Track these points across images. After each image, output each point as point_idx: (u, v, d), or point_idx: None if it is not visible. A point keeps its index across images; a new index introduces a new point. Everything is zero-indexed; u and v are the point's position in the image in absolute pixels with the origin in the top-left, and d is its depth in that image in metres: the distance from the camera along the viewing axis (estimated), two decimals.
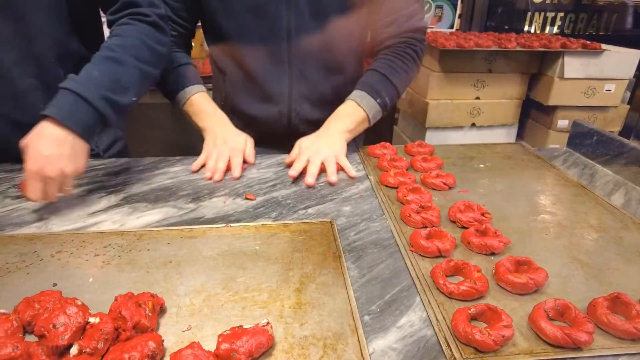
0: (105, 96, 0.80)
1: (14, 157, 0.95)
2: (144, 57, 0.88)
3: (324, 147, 0.98)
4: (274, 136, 1.13)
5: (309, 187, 0.92)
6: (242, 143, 1.03)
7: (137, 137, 2.29)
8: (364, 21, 1.09)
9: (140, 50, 0.88)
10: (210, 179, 0.94)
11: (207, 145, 1.03)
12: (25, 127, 0.91)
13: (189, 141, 2.34)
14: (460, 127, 2.08)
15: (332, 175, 0.94)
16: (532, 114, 2.35)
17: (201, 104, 1.08)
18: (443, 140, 2.00)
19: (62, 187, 0.78)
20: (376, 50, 1.11)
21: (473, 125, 2.12)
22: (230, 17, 1.04)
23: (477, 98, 2.11)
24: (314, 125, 1.08)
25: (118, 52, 0.84)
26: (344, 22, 1.05)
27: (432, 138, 2.04)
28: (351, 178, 0.96)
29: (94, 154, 1.05)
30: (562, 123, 2.15)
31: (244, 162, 1.01)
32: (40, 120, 0.77)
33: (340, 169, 0.98)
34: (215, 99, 1.19)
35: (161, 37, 0.94)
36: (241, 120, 1.15)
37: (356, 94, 1.05)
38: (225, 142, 1.01)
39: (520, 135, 2.41)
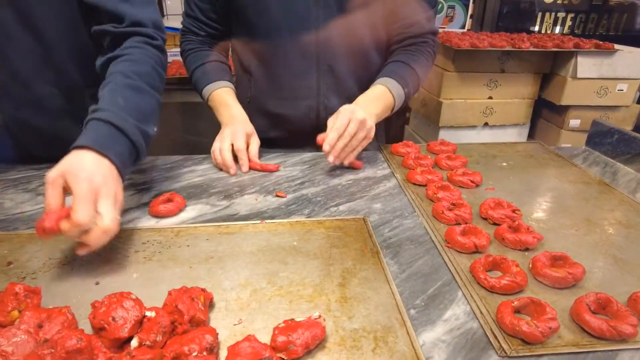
0: (137, 126, 0.74)
1: (34, 163, 0.98)
2: (156, 85, 0.86)
3: (362, 119, 0.95)
4: (302, 135, 1.13)
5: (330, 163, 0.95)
6: (242, 135, 1.02)
7: None
8: (387, 17, 1.10)
9: (153, 77, 0.85)
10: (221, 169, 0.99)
11: (215, 142, 1.04)
12: (44, 133, 0.94)
13: (196, 140, 2.35)
14: (472, 127, 2.09)
15: (350, 157, 0.96)
16: (544, 113, 2.37)
17: (222, 98, 1.09)
18: (456, 139, 1.97)
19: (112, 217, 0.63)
20: (395, 47, 1.13)
21: (486, 124, 2.13)
22: (260, 13, 1.05)
23: (490, 98, 2.12)
24: None
25: (136, 80, 0.80)
26: (370, 16, 1.06)
27: (445, 137, 2.02)
28: (354, 166, 0.99)
29: None
30: (574, 123, 2.17)
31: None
32: (68, 151, 0.68)
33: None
34: (239, 100, 1.19)
35: (164, 60, 0.92)
36: (268, 120, 1.16)
37: (386, 80, 1.05)
38: (225, 137, 1.02)
39: (531, 135, 2.43)
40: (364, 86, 1.11)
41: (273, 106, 1.15)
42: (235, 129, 1.02)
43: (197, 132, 2.34)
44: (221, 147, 1.00)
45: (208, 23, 1.14)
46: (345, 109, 0.97)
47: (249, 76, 1.16)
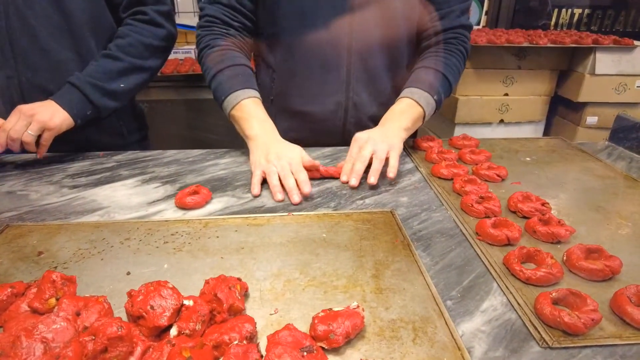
0: (92, 82, 0.99)
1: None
2: (136, 53, 1.06)
3: (378, 138, 0.92)
4: (326, 135, 1.10)
5: (352, 188, 0.88)
6: (298, 154, 0.91)
7: (155, 133, 2.31)
8: (421, 7, 1.06)
9: (134, 46, 1.06)
10: (282, 200, 0.84)
11: (257, 160, 0.91)
12: None
13: (205, 136, 2.36)
14: (488, 123, 2.08)
15: (373, 176, 0.87)
16: (560, 110, 2.35)
17: (252, 110, 0.96)
18: (472, 135, 1.96)
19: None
20: (425, 44, 1.08)
21: (501, 121, 2.12)
22: (295, 12, 1.00)
23: (506, 94, 2.11)
24: (371, 120, 1.08)
25: (112, 50, 1.04)
26: (406, 4, 1.03)
27: (460, 134, 1.99)
28: (388, 178, 0.88)
29: (118, 134, 1.19)
30: (592, 120, 2.15)
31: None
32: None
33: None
34: (261, 96, 1.14)
35: (158, 31, 1.10)
36: (291, 119, 1.11)
37: (412, 91, 1.00)
38: (279, 157, 0.89)
39: (547, 132, 2.41)
40: (396, 81, 1.08)
41: (298, 104, 1.10)
42: (292, 160, 0.89)
43: (205, 128, 2.35)
44: (285, 177, 0.86)
45: (243, 12, 1.04)
46: (357, 139, 0.94)
47: (272, 72, 1.11)
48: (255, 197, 0.85)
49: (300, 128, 1.11)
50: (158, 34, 1.10)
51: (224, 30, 1.03)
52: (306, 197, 0.84)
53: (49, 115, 0.93)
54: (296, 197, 0.83)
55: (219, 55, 1.00)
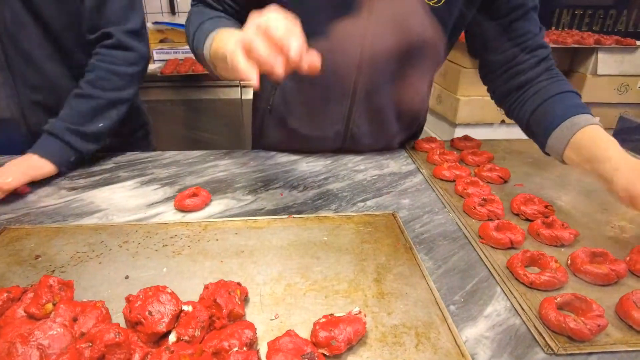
0: (70, 128, 0.93)
1: None
2: (110, 85, 0.99)
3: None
4: (322, 151, 1.06)
5: None
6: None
7: (155, 133, 2.30)
8: (444, 44, 0.94)
9: (106, 79, 0.98)
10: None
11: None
12: (56, 113, 0.98)
13: (204, 136, 2.35)
14: (489, 124, 2.07)
15: None
16: None
17: (224, 34, 0.73)
18: (473, 136, 1.95)
19: None
20: (522, 80, 0.92)
21: (502, 122, 2.10)
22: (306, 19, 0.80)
23: None
24: (367, 148, 1.03)
25: (84, 88, 0.97)
26: (429, 48, 0.90)
27: (461, 134, 1.98)
28: None
29: (119, 135, 1.10)
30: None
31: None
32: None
33: None
34: (258, 101, 1.09)
35: (128, 56, 1.01)
36: (287, 134, 1.04)
37: (588, 118, 0.80)
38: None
39: None
40: (401, 114, 1.01)
41: (295, 123, 1.02)
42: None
43: (205, 129, 2.34)
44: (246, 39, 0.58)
45: (232, 6, 0.89)
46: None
47: (274, 84, 1.00)
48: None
49: (294, 142, 1.04)
50: (129, 59, 1.01)
51: (213, 4, 0.89)
52: (306, 193, 0.83)
53: (27, 166, 0.87)
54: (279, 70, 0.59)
55: (198, 13, 0.87)
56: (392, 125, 1.03)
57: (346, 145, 1.05)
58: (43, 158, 0.89)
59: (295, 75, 0.85)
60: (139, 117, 1.27)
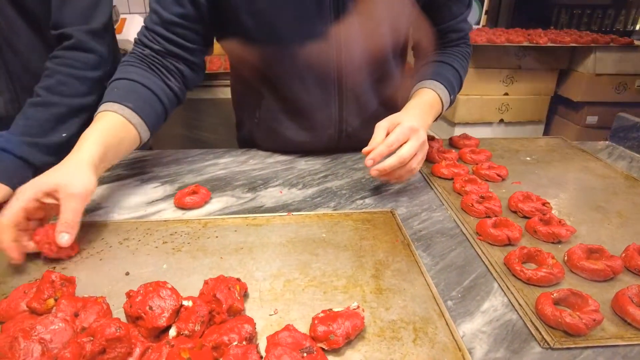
0: (29, 142, 0.82)
1: None
2: (71, 91, 0.90)
3: (422, 138, 0.79)
4: (319, 152, 1.05)
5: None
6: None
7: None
8: (409, 27, 1.01)
9: (66, 85, 0.89)
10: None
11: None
12: None
13: (203, 136, 2.35)
14: (488, 123, 2.08)
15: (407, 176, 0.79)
16: (560, 110, 2.35)
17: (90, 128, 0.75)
18: (471, 135, 1.96)
19: None
20: (433, 47, 1.02)
21: (501, 121, 2.12)
22: (260, 23, 0.87)
23: (506, 94, 2.10)
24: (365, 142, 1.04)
25: (42, 95, 0.87)
26: (393, 33, 0.95)
27: (460, 133, 1.98)
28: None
29: None
30: (592, 119, 2.15)
31: None
32: None
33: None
34: (242, 114, 1.10)
35: (89, 58, 0.92)
36: (281, 142, 1.03)
37: (436, 85, 0.90)
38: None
39: (547, 132, 2.41)
40: (386, 103, 1.03)
41: (287, 132, 1.01)
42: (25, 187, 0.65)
43: (204, 128, 2.34)
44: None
45: (170, 38, 0.86)
46: (406, 123, 0.79)
47: (258, 94, 1.01)
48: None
49: (288, 147, 1.04)
50: (90, 62, 0.92)
51: (139, 51, 0.88)
52: (305, 191, 0.85)
53: None
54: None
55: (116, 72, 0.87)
56: (383, 116, 1.03)
57: (342, 145, 1.05)
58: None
59: (277, 90, 0.94)
60: None
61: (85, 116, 0.92)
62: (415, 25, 1.02)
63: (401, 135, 0.78)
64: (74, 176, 0.66)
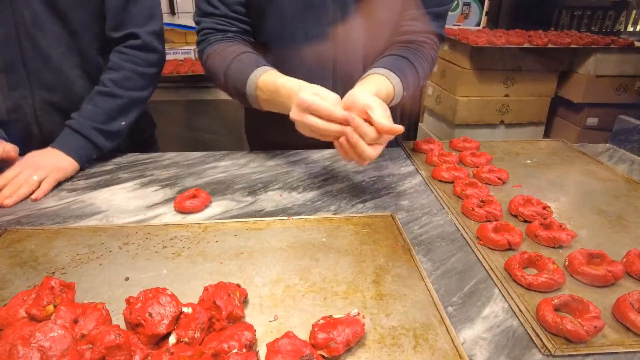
0: (95, 127, 0.98)
1: None
2: (133, 85, 1.03)
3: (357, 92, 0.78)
4: (318, 143, 1.06)
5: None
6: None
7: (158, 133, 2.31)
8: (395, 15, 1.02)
9: (130, 79, 1.02)
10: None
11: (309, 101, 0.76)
12: (68, 114, 1.00)
13: (204, 137, 2.35)
14: (488, 125, 2.08)
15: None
16: (560, 111, 2.34)
17: (273, 80, 0.86)
18: (472, 137, 1.96)
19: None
20: (396, 40, 1.02)
21: (502, 122, 2.12)
22: (279, 19, 0.97)
23: (507, 95, 2.10)
24: None
25: (110, 87, 1.00)
26: (386, 17, 0.99)
27: (461, 135, 1.98)
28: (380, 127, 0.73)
29: (128, 134, 1.13)
30: (592, 121, 2.14)
31: None
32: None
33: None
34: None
35: (151, 57, 1.05)
36: (285, 126, 0.98)
37: (390, 74, 0.88)
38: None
39: (547, 134, 2.40)
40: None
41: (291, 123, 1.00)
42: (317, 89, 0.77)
43: (205, 129, 2.34)
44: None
45: (239, 18, 0.99)
46: (376, 102, 0.74)
47: None
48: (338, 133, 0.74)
49: (295, 135, 1.06)
50: (151, 60, 1.06)
51: (222, 36, 0.99)
52: (305, 194, 0.85)
53: (54, 163, 0.91)
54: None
55: (220, 56, 0.96)
56: None
57: None
58: (67, 155, 0.92)
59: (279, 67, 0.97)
60: (146, 117, 1.28)
61: (142, 107, 1.08)
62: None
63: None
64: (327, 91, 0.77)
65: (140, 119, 1.21)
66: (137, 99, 1.05)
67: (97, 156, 1.00)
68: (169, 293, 0.53)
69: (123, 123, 1.02)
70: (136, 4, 1.01)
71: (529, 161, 1.04)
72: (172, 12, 2.80)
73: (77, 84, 1.05)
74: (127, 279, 0.63)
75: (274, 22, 0.99)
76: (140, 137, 1.24)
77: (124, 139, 1.09)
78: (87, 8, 0.99)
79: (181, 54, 2.45)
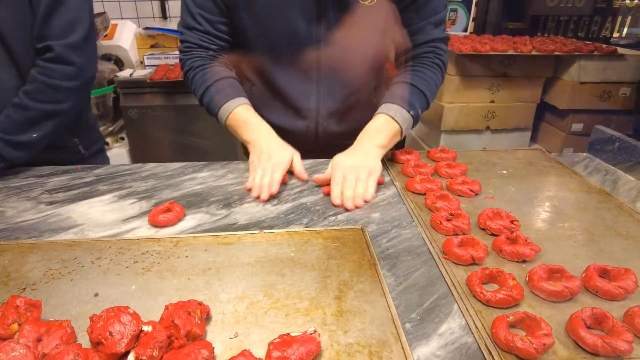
0: (1, 137, 0.98)
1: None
2: (45, 98, 1.02)
3: (360, 165, 0.94)
4: (302, 146, 1.09)
5: (349, 210, 0.88)
6: (287, 157, 0.97)
7: (146, 139, 2.32)
8: (388, 32, 1.08)
9: (42, 92, 1.02)
10: (258, 197, 0.91)
11: (252, 161, 0.99)
12: None
13: (196, 142, 2.37)
14: (474, 131, 2.09)
15: (361, 198, 0.90)
16: (546, 117, 2.36)
17: (245, 117, 1.03)
18: (458, 143, 2.01)
19: None
20: (403, 59, 1.10)
21: (487, 128, 2.13)
22: (260, 34, 1.05)
23: (492, 102, 2.12)
24: (341, 137, 1.10)
25: (21, 99, 1.01)
26: (371, 33, 1.05)
27: (447, 141, 2.05)
28: (365, 201, 0.90)
29: (74, 151, 1.23)
30: (577, 127, 2.16)
31: (291, 174, 1.00)
32: None
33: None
34: None
35: (66, 70, 1.03)
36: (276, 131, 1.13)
37: (389, 107, 1.02)
38: (269, 157, 0.96)
39: (533, 139, 2.42)
40: (363, 104, 1.13)
41: (275, 119, 1.12)
42: (278, 160, 0.96)
43: (195, 134, 2.36)
44: (261, 184, 0.92)
45: (220, 36, 1.07)
46: (338, 165, 0.94)
47: (251, 85, 1.16)
48: (249, 190, 0.94)
49: (283, 139, 1.10)
50: (68, 73, 1.03)
51: (204, 53, 1.07)
52: (279, 207, 0.89)
53: None
54: (263, 195, 0.90)
55: (203, 74, 1.05)
56: (357, 111, 1.14)
57: (321, 138, 1.16)
58: None
59: (265, 82, 1.13)
60: (93, 131, 1.31)
61: (58, 120, 1.06)
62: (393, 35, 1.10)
63: (351, 180, 0.92)
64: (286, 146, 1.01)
65: (87, 135, 1.26)
66: (51, 111, 1.04)
67: (10, 167, 1.01)
68: (131, 312, 0.54)
69: (34, 135, 1.02)
70: (57, 16, 1.00)
71: (504, 171, 1.05)
72: (164, 16, 2.81)
73: (15, 94, 1.04)
74: (96, 294, 0.64)
75: (256, 40, 1.07)
76: (89, 153, 1.27)
77: (72, 154, 1.14)
78: (17, 18, 1.00)
79: (172, 58, 2.47)
